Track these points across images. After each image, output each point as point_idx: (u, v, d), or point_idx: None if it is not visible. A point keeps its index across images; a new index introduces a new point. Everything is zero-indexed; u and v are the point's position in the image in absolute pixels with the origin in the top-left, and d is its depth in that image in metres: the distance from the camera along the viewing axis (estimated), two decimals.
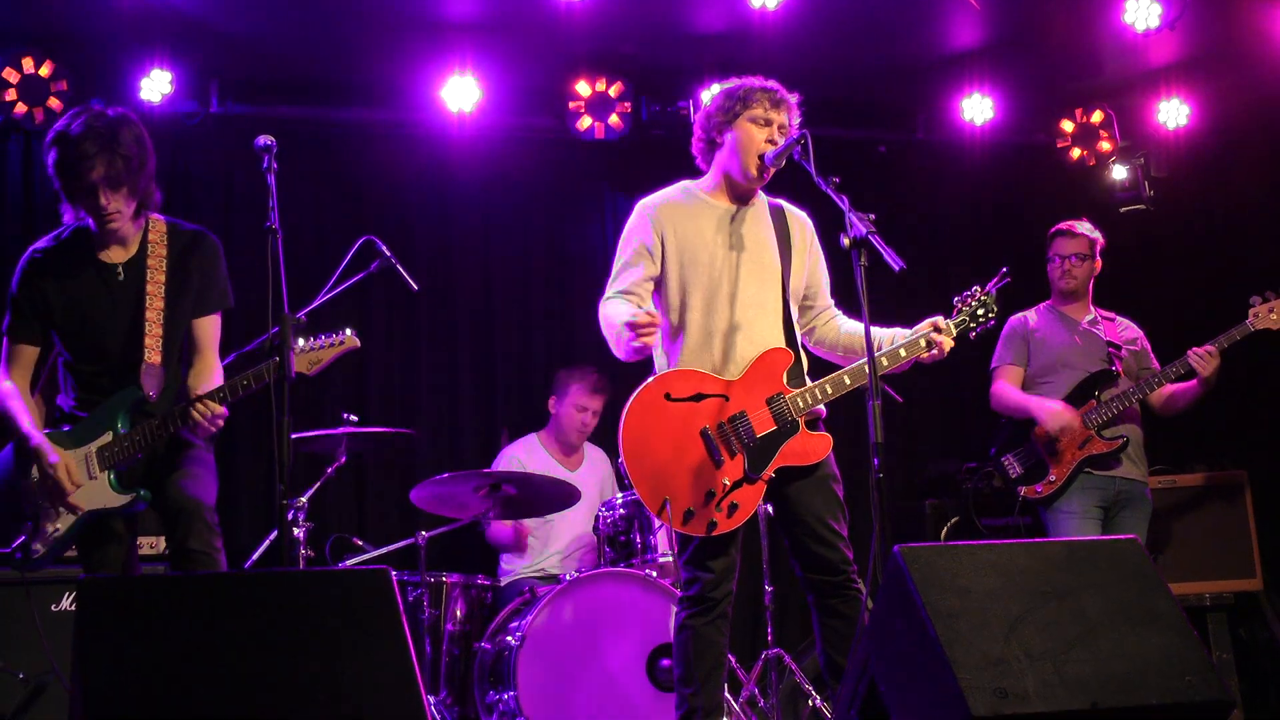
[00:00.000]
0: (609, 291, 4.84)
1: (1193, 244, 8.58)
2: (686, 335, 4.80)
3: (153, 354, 4.54)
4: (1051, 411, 6.26)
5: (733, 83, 4.92)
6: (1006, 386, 6.49)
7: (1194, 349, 6.11)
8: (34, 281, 4.63)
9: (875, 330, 4.71)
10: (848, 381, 4.71)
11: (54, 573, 6.03)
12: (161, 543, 6.17)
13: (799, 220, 5.01)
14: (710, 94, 4.94)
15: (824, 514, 4.71)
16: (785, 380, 4.74)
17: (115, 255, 4.64)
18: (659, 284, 4.85)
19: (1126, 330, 6.54)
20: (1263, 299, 6.10)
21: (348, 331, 4.62)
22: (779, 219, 4.95)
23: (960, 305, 4.83)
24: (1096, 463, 6.21)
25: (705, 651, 4.73)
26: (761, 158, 4.77)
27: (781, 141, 4.78)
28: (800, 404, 4.70)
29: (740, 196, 4.92)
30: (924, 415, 8.40)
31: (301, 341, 4.55)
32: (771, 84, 4.89)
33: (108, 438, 4.52)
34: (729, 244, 4.83)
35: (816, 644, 4.76)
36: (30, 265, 4.66)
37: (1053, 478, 6.22)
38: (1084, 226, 6.51)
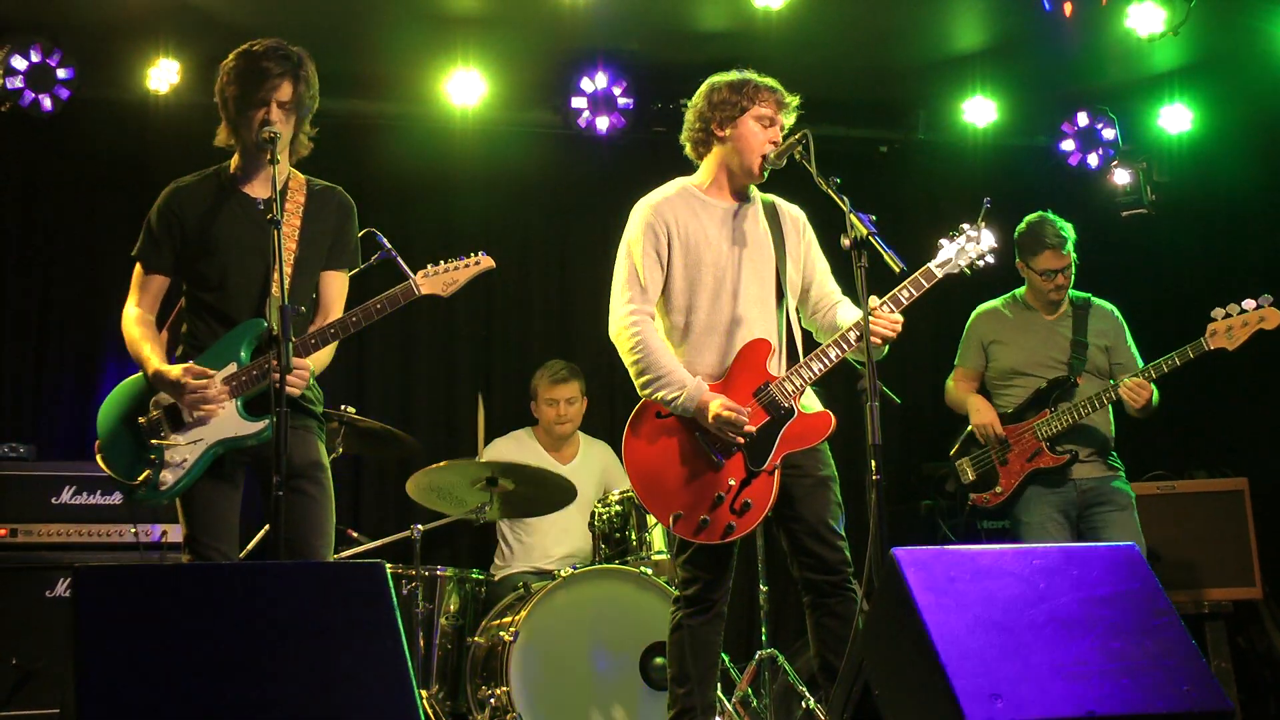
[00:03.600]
0: (630, 304, 4.78)
1: (1194, 249, 8.57)
2: (691, 336, 4.81)
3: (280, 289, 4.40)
4: (977, 409, 6.24)
5: (735, 76, 4.88)
6: (953, 385, 6.46)
7: (1127, 382, 5.91)
8: (172, 207, 4.60)
9: (853, 314, 4.77)
10: (833, 354, 4.70)
11: (47, 558, 6.10)
12: (156, 529, 6.18)
13: (792, 215, 5.01)
14: (710, 84, 4.90)
15: (824, 514, 4.71)
16: (770, 368, 4.74)
17: (256, 190, 4.61)
18: (664, 284, 4.84)
19: (1100, 319, 6.33)
20: (1225, 313, 5.83)
21: (481, 252, 4.69)
22: (772, 215, 4.95)
23: (944, 243, 4.82)
24: (1045, 476, 6.08)
25: (701, 652, 4.73)
26: (764, 157, 4.77)
27: (781, 142, 4.78)
28: (789, 387, 4.70)
29: (738, 193, 4.92)
30: (921, 416, 8.39)
31: (430, 265, 4.60)
32: (771, 80, 4.88)
33: (232, 368, 4.45)
34: (730, 242, 4.83)
35: (812, 645, 4.75)
36: (171, 193, 4.64)
37: (999, 489, 6.14)
38: (1066, 231, 6.21)
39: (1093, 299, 6.37)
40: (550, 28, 7.31)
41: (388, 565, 3.72)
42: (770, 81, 4.87)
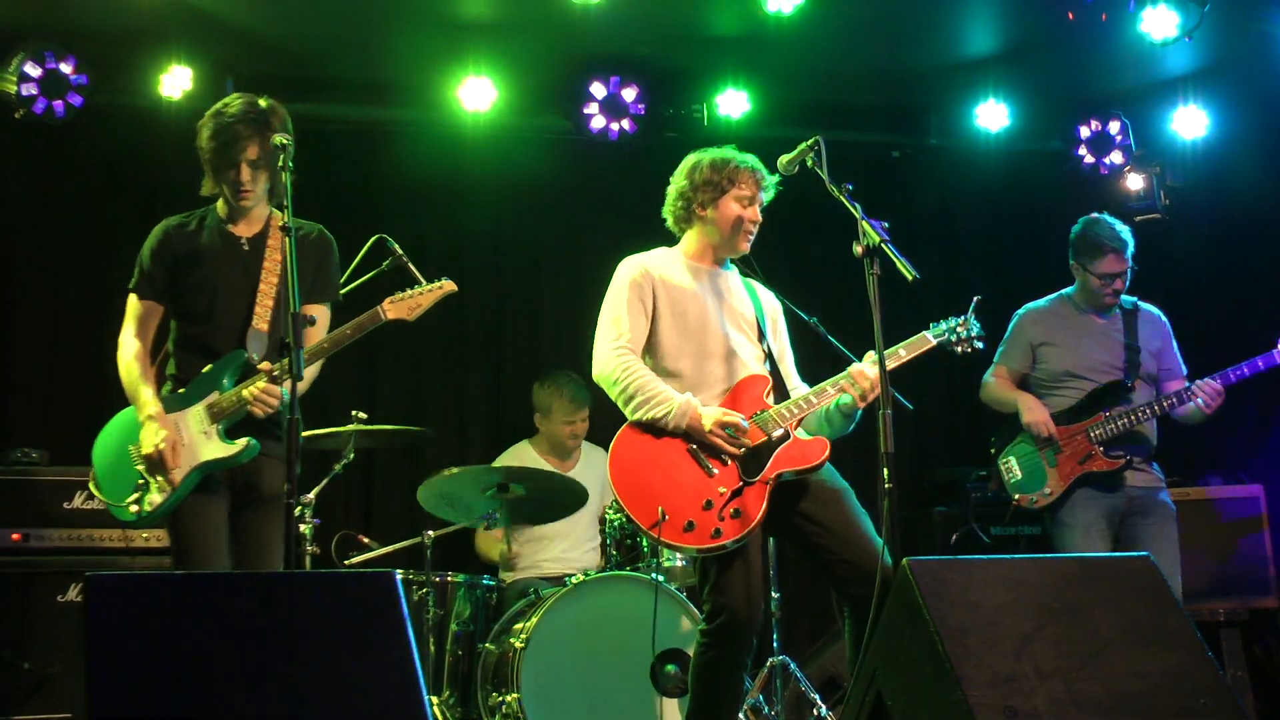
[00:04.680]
0: (618, 342, 4.80)
1: (1208, 254, 8.55)
2: (682, 379, 4.81)
3: (260, 322, 4.77)
4: (1029, 407, 6.09)
5: (716, 155, 4.96)
6: (995, 380, 6.31)
7: (1203, 387, 5.83)
8: (163, 242, 4.89)
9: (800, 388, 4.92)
10: (831, 391, 4.75)
11: (59, 562, 6.11)
12: (164, 535, 6.20)
13: (769, 298, 5.13)
14: (691, 163, 4.99)
15: (852, 518, 4.67)
16: (766, 400, 4.78)
17: (241, 230, 4.90)
18: (650, 334, 4.87)
19: (1148, 324, 6.23)
20: None
21: (445, 278, 4.87)
22: (751, 291, 5.06)
23: (932, 324, 4.93)
24: (1096, 480, 5.95)
25: (727, 686, 4.70)
26: (748, 236, 4.92)
27: (760, 219, 4.91)
28: (786, 414, 4.72)
29: (718, 263, 5.01)
30: (933, 422, 8.37)
31: (398, 292, 4.82)
32: (752, 159, 4.95)
33: (215, 395, 4.72)
34: (716, 297, 4.91)
35: (848, 650, 4.69)
36: (162, 231, 4.92)
37: (1048, 490, 5.99)
38: (1126, 235, 6.13)
39: (1140, 303, 6.29)
40: (561, 33, 7.32)
41: (399, 571, 3.74)
42: (751, 161, 4.94)
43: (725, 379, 4.81)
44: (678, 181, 5.00)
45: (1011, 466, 6.14)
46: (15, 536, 6.19)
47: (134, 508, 4.66)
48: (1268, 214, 8.27)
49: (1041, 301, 6.37)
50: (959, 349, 4.91)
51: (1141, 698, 3.48)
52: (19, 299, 7.40)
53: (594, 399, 7.30)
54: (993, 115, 8.24)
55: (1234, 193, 8.40)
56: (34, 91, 7.02)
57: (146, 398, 4.72)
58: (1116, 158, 8.44)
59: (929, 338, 4.87)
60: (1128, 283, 6.16)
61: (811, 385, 4.88)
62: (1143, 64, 7.86)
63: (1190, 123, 8.32)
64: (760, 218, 4.91)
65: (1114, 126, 8.42)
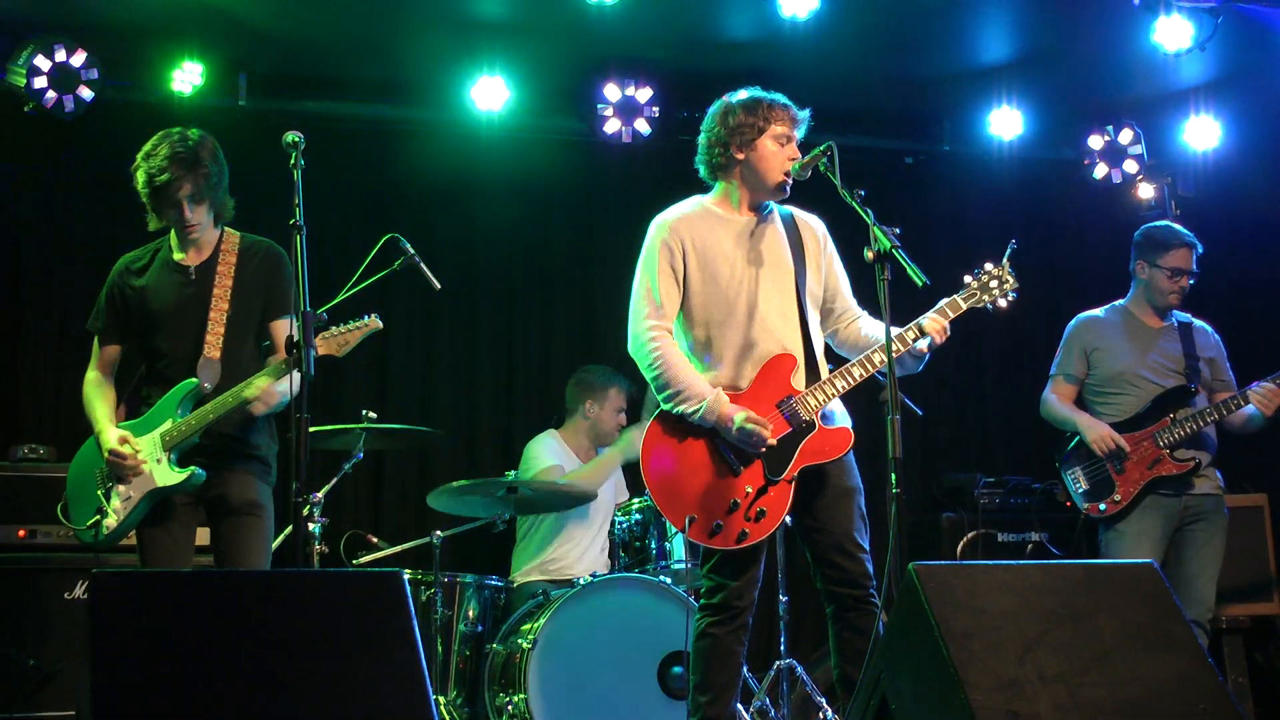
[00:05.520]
0: (648, 320, 4.78)
1: (1218, 265, 8.52)
2: (712, 351, 4.80)
3: (212, 350, 4.91)
4: (1089, 426, 6.07)
5: (747, 96, 4.88)
6: (1055, 398, 6.29)
7: (1257, 387, 5.92)
8: (117, 282, 5.10)
9: (877, 334, 4.79)
10: (857, 374, 4.71)
11: (65, 559, 6.11)
12: None
13: (811, 226, 5.00)
14: (722, 107, 4.93)
15: (848, 526, 4.70)
16: (794, 383, 4.74)
17: (191, 258, 5.05)
18: (682, 299, 4.84)
19: (1203, 336, 6.28)
20: None
21: (373, 315, 4.94)
22: (791, 227, 4.95)
23: (971, 281, 4.82)
24: (1165, 484, 5.96)
25: (725, 661, 4.72)
26: (787, 174, 4.78)
27: (798, 157, 4.79)
28: (811, 402, 4.70)
29: (756, 209, 4.91)
30: (942, 428, 8.36)
31: (333, 327, 4.87)
32: (782, 96, 4.89)
33: (168, 424, 4.87)
34: (748, 258, 4.81)
35: (832, 656, 4.73)
36: (117, 270, 5.13)
37: (1118, 497, 5.98)
38: (1194, 238, 6.22)
39: (1193, 319, 6.32)
40: (575, 34, 7.32)
41: (407, 571, 3.74)
42: (781, 98, 4.88)
43: (752, 350, 4.75)
44: (710, 128, 4.92)
45: (1078, 477, 6.14)
46: (21, 533, 6.20)
47: (92, 530, 4.89)
48: (1278, 225, 8.25)
49: (1096, 310, 6.39)
50: (992, 306, 4.81)
51: (1143, 703, 3.49)
52: (29, 295, 7.41)
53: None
54: (1006, 123, 8.24)
55: (1245, 204, 8.38)
56: (44, 85, 7.01)
57: (97, 416, 4.99)
58: (1129, 167, 8.43)
59: (960, 302, 4.77)
60: (1191, 284, 6.19)
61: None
62: (1156, 74, 7.84)
63: (1202, 133, 8.31)
64: (799, 155, 4.79)
65: (1126, 136, 8.41)
